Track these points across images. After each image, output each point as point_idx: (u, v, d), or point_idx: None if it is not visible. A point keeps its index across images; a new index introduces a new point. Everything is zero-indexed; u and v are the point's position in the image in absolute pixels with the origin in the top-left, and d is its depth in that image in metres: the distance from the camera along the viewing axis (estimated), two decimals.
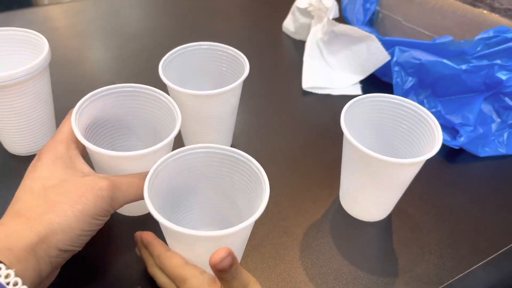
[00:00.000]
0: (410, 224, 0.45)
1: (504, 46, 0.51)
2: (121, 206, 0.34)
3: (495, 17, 0.55)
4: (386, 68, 0.62)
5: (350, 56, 0.65)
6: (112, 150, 0.37)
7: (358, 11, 0.65)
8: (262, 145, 0.54)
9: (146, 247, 0.37)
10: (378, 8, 0.67)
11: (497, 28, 0.52)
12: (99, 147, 0.35)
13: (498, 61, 0.51)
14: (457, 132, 0.55)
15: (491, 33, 0.51)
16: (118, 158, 0.36)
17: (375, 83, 0.65)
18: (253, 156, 0.35)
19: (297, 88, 0.64)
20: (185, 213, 0.40)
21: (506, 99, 0.54)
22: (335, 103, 0.61)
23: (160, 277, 0.35)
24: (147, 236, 0.37)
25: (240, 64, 0.48)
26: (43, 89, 0.45)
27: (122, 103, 0.41)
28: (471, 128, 0.54)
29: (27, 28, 0.47)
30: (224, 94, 0.44)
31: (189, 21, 0.80)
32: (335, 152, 0.47)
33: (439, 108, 0.56)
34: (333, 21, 0.64)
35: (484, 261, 0.42)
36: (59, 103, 0.50)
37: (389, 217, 0.46)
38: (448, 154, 0.54)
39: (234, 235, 0.32)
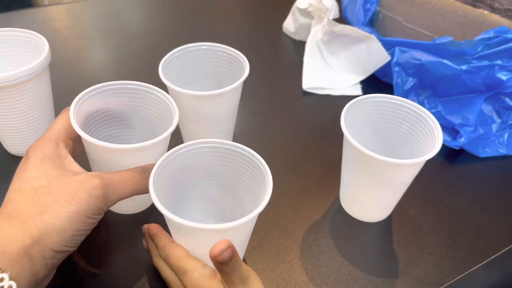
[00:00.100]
0: (410, 225, 0.45)
1: (504, 46, 0.51)
2: (114, 203, 0.34)
3: (495, 17, 0.55)
4: (386, 68, 0.62)
5: (350, 57, 0.65)
6: None
7: (358, 11, 0.65)
8: (262, 145, 0.54)
9: (152, 238, 0.37)
10: (378, 8, 0.67)
11: (498, 29, 0.51)
12: None
13: (499, 62, 0.51)
14: (457, 132, 0.55)
15: (491, 34, 0.51)
16: (116, 151, 0.36)
17: (375, 83, 0.65)
18: None
19: (297, 89, 0.64)
20: (189, 207, 0.40)
21: (507, 99, 0.54)
22: (335, 103, 0.61)
23: (165, 269, 0.35)
24: (154, 228, 0.37)
25: (240, 65, 0.48)
26: (43, 89, 0.45)
27: (119, 99, 0.41)
28: (472, 128, 0.54)
29: (27, 28, 0.47)
30: (224, 95, 0.44)
31: (189, 22, 0.80)
32: (335, 153, 0.47)
33: (440, 108, 0.56)
34: (333, 22, 0.64)
35: (485, 261, 0.42)
36: (59, 103, 0.50)
37: (389, 217, 0.46)
38: (448, 154, 0.54)
39: (237, 229, 0.32)
